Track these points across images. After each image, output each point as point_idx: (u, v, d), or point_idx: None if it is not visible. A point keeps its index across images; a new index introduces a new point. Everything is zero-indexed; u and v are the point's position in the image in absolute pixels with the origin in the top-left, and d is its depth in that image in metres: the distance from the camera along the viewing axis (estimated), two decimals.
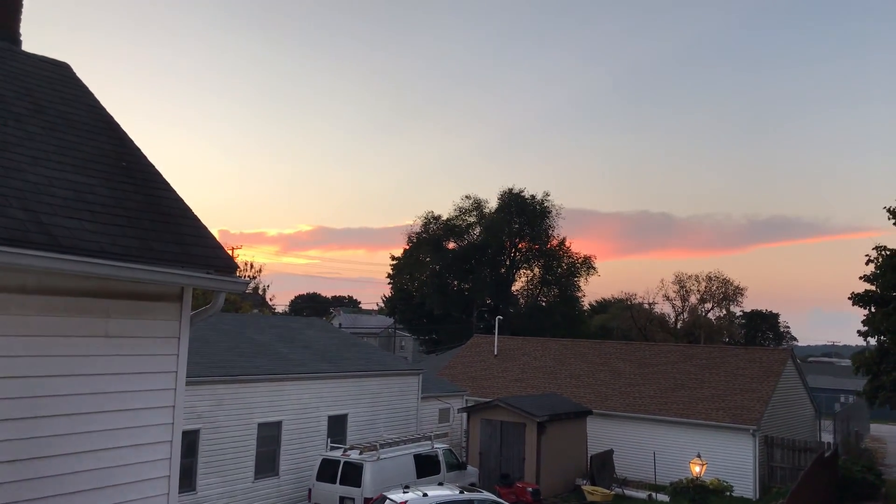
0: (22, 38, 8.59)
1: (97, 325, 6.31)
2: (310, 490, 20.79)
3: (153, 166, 7.86)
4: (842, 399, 53.60)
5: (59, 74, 8.41)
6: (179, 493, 7.34)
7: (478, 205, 68.94)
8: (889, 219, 23.22)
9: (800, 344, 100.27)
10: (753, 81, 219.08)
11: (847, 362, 63.61)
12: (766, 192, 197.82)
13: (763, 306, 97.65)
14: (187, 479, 18.93)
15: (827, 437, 34.75)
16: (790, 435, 29.53)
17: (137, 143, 8.12)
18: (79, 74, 8.70)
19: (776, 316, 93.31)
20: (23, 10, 8.75)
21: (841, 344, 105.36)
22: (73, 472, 6.11)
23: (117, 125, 8.17)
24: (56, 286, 5.99)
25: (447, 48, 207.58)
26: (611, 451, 27.81)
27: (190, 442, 19.05)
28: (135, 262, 6.21)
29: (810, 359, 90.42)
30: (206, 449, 19.73)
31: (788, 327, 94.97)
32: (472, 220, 68.73)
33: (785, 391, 30.93)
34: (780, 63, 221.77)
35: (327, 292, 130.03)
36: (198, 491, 19.39)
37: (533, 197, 68.60)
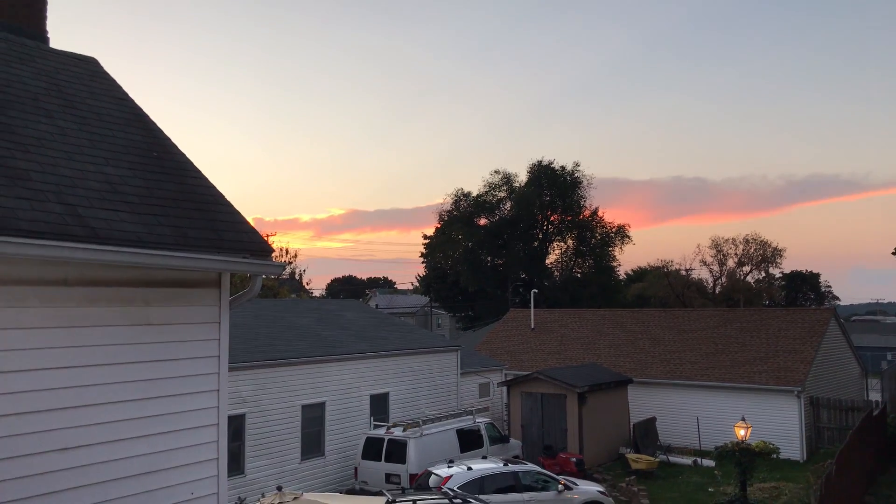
0: (49, 36, 8.70)
1: (138, 314, 6.42)
2: (356, 468, 21.10)
3: (184, 155, 7.94)
4: (888, 356, 52.71)
5: (86, 69, 8.50)
6: (229, 476, 7.49)
7: (507, 179, 68.56)
8: None
9: (842, 303, 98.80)
10: (786, 38, 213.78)
11: (893, 319, 62.39)
12: (802, 150, 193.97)
13: (803, 267, 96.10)
14: (236, 463, 19.33)
15: (875, 396, 34.20)
16: (836, 395, 29.11)
17: (168, 133, 8.21)
18: (106, 68, 8.79)
19: (817, 276, 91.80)
20: (47, 7, 8.86)
21: (886, 301, 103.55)
22: (123, 457, 6.26)
23: (147, 116, 8.25)
24: (96, 277, 6.10)
25: (470, 22, 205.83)
26: (653, 419, 27.72)
27: (236, 426, 19.41)
28: (171, 250, 6.29)
29: (854, 318, 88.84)
30: (252, 432, 20.10)
31: (830, 287, 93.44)
32: (502, 194, 68.41)
33: (829, 351, 30.46)
34: (813, 17, 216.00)
35: (362, 274, 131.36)
36: (246, 473, 19.79)
37: (563, 168, 68.01)
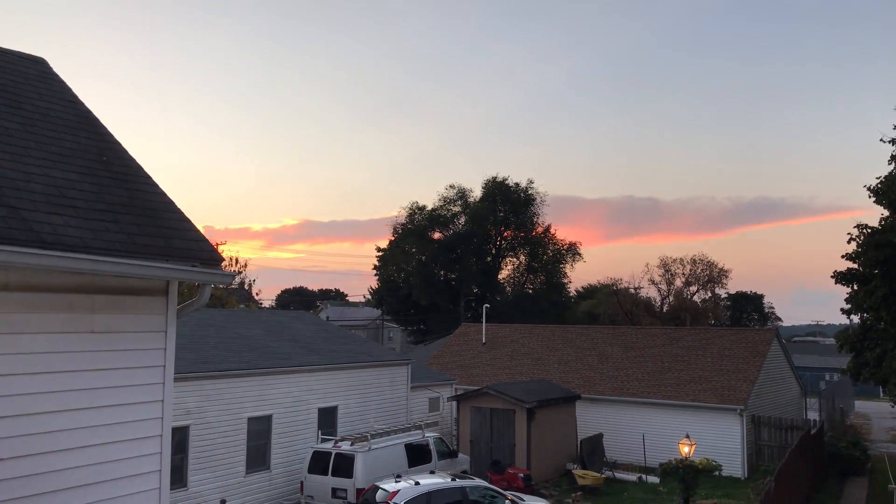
0: None
1: (82, 321, 6.27)
2: (302, 483, 20.82)
3: (134, 160, 7.81)
4: (827, 377, 54.32)
5: (35, 70, 8.32)
6: (171, 489, 7.33)
7: (462, 194, 68.98)
8: (870, 197, 23.40)
9: (784, 324, 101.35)
10: (736, 64, 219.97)
11: (831, 341, 64.35)
12: (750, 174, 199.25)
13: (748, 288, 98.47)
14: (178, 476, 18.89)
15: (813, 415, 35.16)
16: (777, 414, 29.84)
17: (118, 138, 8.06)
18: (56, 70, 8.61)
19: (761, 297, 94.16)
20: None
21: (825, 323, 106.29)
22: (63, 468, 6.09)
23: (97, 120, 8.10)
24: (40, 282, 5.95)
25: (427, 38, 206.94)
26: (600, 435, 28.01)
27: (180, 438, 19.00)
28: (119, 257, 6.18)
29: (795, 338, 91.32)
30: (196, 445, 19.68)
31: (773, 308, 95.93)
32: (456, 209, 68.76)
33: (771, 371, 31.24)
34: (762, 45, 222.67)
35: (314, 286, 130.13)
36: (189, 487, 19.35)
37: (517, 185, 68.72)
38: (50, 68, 8.58)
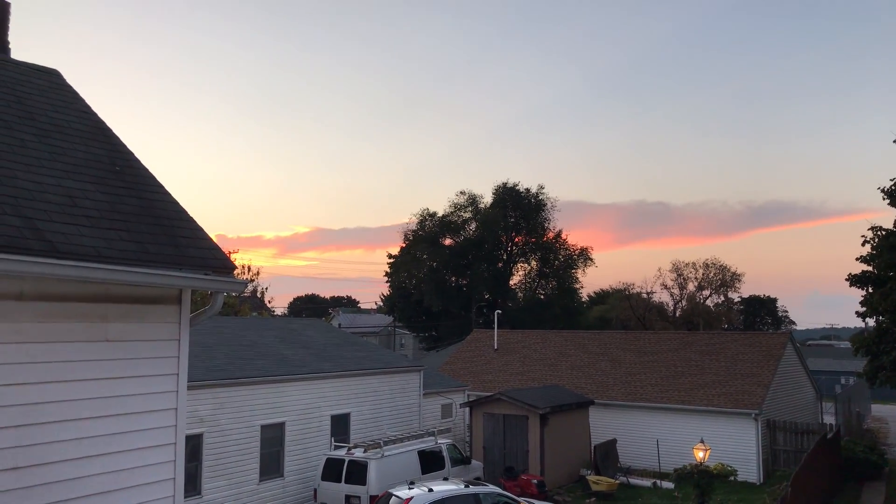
0: (10, 47, 8.58)
1: (96, 330, 6.30)
2: (315, 490, 20.82)
3: (147, 169, 7.85)
4: (842, 381, 53.79)
5: (48, 81, 8.39)
6: (185, 497, 7.35)
7: (473, 200, 68.98)
8: (884, 199, 23.22)
9: (798, 328, 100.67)
10: (746, 66, 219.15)
11: (846, 344, 63.85)
12: (761, 177, 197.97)
13: (761, 291, 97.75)
14: (192, 484, 18.94)
15: (829, 419, 34.86)
16: (792, 418, 29.59)
17: (130, 147, 8.11)
18: (69, 81, 8.68)
19: (774, 301, 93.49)
20: (10, 19, 8.74)
21: (840, 326, 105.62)
22: (77, 477, 6.11)
23: (109, 130, 8.15)
24: (54, 292, 5.98)
25: (437, 45, 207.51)
26: (614, 441, 27.87)
27: (194, 446, 19.05)
28: (132, 266, 6.20)
29: (809, 342, 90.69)
30: (209, 453, 19.73)
31: (787, 312, 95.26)
32: (467, 215, 68.75)
33: (785, 375, 31.01)
34: (772, 47, 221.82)
35: (326, 293, 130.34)
36: (203, 495, 19.39)
37: (528, 190, 68.69)
38: (63, 79, 8.65)
